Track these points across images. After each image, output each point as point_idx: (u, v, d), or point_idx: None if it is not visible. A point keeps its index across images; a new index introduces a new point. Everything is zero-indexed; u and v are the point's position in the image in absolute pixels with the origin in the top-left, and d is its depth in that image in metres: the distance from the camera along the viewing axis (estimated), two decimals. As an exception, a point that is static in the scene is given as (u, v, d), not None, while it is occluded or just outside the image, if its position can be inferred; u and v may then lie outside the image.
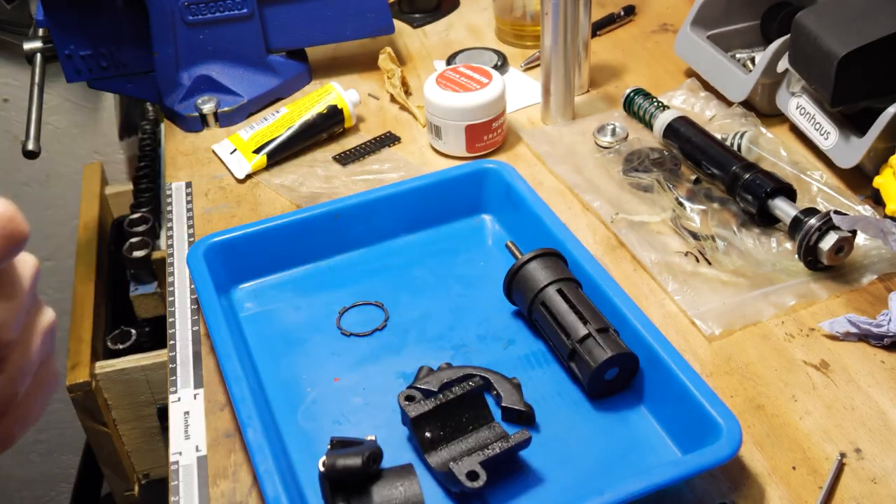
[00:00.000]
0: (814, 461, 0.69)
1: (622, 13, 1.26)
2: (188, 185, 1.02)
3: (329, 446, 0.67)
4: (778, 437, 0.71)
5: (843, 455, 0.69)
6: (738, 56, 1.09)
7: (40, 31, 1.08)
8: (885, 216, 0.86)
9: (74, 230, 1.31)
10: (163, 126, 1.26)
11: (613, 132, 1.02)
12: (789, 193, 0.87)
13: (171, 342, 0.83)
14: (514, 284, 0.79)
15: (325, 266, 0.88)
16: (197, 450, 0.73)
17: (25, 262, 0.40)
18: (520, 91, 1.13)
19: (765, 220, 0.88)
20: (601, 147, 1.02)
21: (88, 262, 1.20)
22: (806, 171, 0.93)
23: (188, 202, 1.00)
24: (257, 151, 1.02)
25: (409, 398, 0.69)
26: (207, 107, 1.10)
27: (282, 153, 1.03)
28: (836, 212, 0.82)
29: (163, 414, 1.32)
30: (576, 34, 1.02)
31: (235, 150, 1.04)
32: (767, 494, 0.67)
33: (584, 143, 1.03)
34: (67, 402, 1.03)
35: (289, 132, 1.03)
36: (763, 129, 0.99)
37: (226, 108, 1.11)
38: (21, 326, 0.40)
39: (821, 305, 0.82)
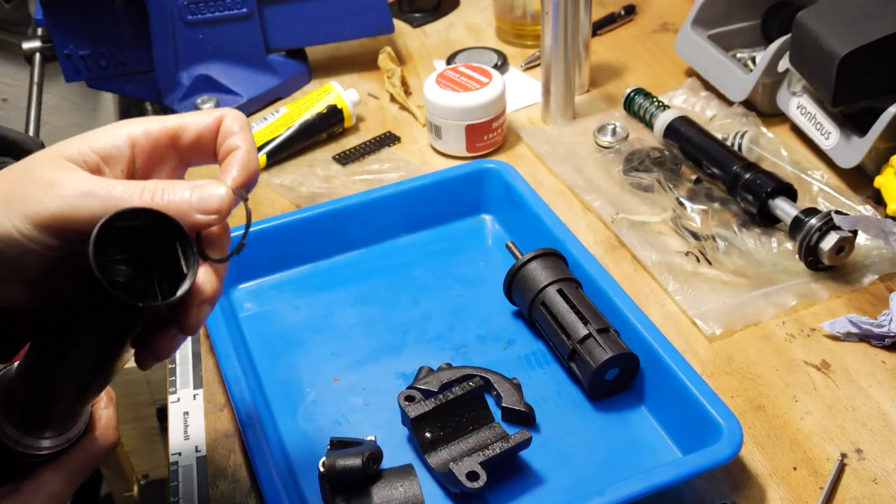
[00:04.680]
0: (815, 462, 0.69)
1: (622, 12, 1.26)
2: (188, 184, 1.02)
3: (329, 447, 0.66)
4: (779, 438, 0.71)
5: (844, 455, 0.68)
6: (738, 56, 1.09)
7: (39, 31, 1.08)
8: (886, 216, 0.86)
9: (74, 230, 1.31)
10: (162, 126, 1.25)
11: (614, 132, 1.02)
12: (790, 193, 0.87)
13: (171, 342, 0.83)
14: (515, 284, 0.79)
15: (325, 266, 0.88)
16: (197, 450, 0.73)
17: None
18: (520, 91, 1.13)
19: (765, 220, 0.88)
20: (601, 147, 1.02)
21: (88, 262, 1.20)
22: (807, 170, 0.93)
23: (188, 202, 0.99)
24: (257, 151, 1.02)
25: (409, 398, 0.69)
26: (207, 106, 1.09)
27: (281, 153, 1.03)
28: (836, 212, 0.82)
29: (162, 414, 1.32)
30: (576, 34, 1.02)
31: (235, 149, 1.04)
32: (768, 495, 0.67)
33: (585, 142, 1.03)
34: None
35: (288, 132, 1.03)
36: (764, 129, 0.99)
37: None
38: None
39: (822, 305, 0.82)
